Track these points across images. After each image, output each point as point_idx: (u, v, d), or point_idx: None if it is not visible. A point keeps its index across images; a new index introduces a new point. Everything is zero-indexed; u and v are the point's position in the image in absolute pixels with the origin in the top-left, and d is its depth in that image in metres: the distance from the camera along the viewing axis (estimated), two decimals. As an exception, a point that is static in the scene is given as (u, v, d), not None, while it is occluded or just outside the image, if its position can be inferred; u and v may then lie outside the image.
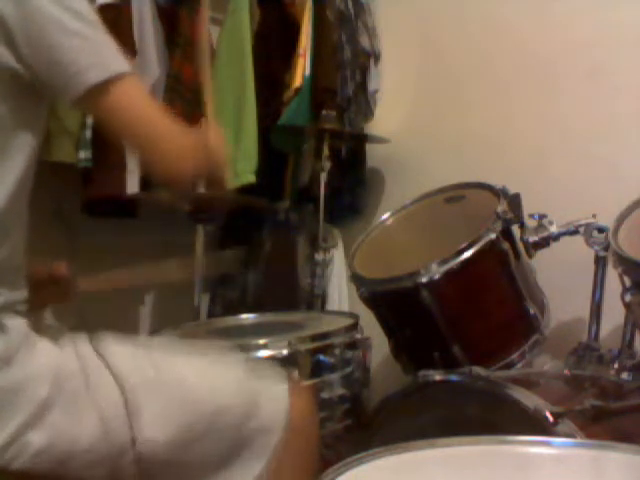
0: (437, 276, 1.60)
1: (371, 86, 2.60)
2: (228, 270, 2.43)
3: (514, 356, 1.68)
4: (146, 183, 2.10)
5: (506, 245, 1.65)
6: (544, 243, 1.71)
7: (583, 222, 1.66)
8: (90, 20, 0.94)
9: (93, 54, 0.94)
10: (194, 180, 1.09)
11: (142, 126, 0.99)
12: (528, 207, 1.74)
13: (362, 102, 2.59)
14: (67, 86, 0.93)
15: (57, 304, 1.21)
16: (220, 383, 1.07)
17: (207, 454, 1.04)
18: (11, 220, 0.96)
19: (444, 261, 1.60)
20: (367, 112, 2.62)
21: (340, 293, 2.53)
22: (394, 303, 1.74)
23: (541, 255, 1.74)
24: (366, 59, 2.59)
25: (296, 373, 1.39)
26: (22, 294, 0.99)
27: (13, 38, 0.90)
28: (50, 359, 0.96)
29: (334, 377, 1.48)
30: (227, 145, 1.18)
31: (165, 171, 1.03)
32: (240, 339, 1.58)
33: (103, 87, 0.93)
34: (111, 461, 0.98)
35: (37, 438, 0.93)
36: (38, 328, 0.99)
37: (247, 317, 1.86)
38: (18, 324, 0.96)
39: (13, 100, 0.93)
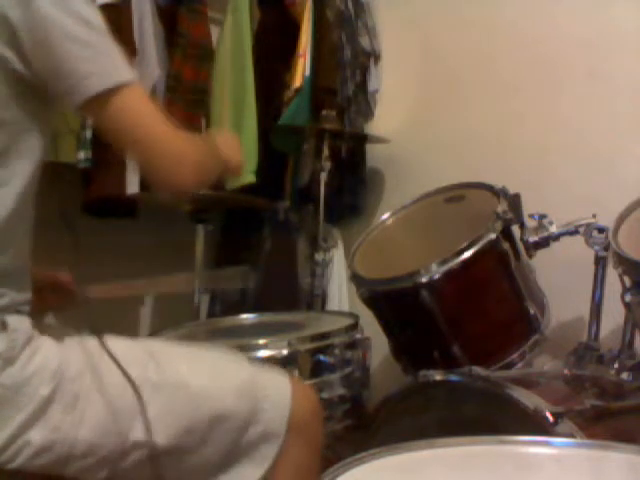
0: (437, 276, 1.60)
1: (371, 86, 2.60)
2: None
3: (514, 356, 1.68)
4: (146, 183, 2.10)
5: (506, 245, 1.65)
6: (544, 243, 1.71)
7: (583, 222, 1.66)
8: (95, 26, 0.93)
9: (94, 62, 0.93)
10: (197, 187, 1.07)
11: (141, 134, 0.98)
12: (528, 207, 1.74)
13: (362, 102, 2.59)
14: (68, 93, 0.93)
15: (60, 310, 1.20)
16: (222, 388, 1.05)
17: (205, 460, 1.03)
18: (18, 222, 0.96)
19: (444, 261, 1.60)
20: (367, 112, 2.62)
21: (340, 293, 2.52)
22: (394, 303, 1.74)
23: (541, 255, 1.74)
24: (366, 59, 2.59)
25: (296, 373, 1.39)
26: (27, 296, 0.99)
27: (20, 42, 0.90)
28: (52, 358, 0.96)
29: (334, 377, 1.48)
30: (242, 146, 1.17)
31: (166, 178, 1.02)
32: (240, 339, 1.57)
33: (102, 97, 0.93)
34: (111, 463, 0.97)
35: (37, 437, 0.93)
36: (41, 328, 0.99)
37: (247, 317, 1.85)
38: (21, 323, 0.95)
39: (20, 103, 0.93)
